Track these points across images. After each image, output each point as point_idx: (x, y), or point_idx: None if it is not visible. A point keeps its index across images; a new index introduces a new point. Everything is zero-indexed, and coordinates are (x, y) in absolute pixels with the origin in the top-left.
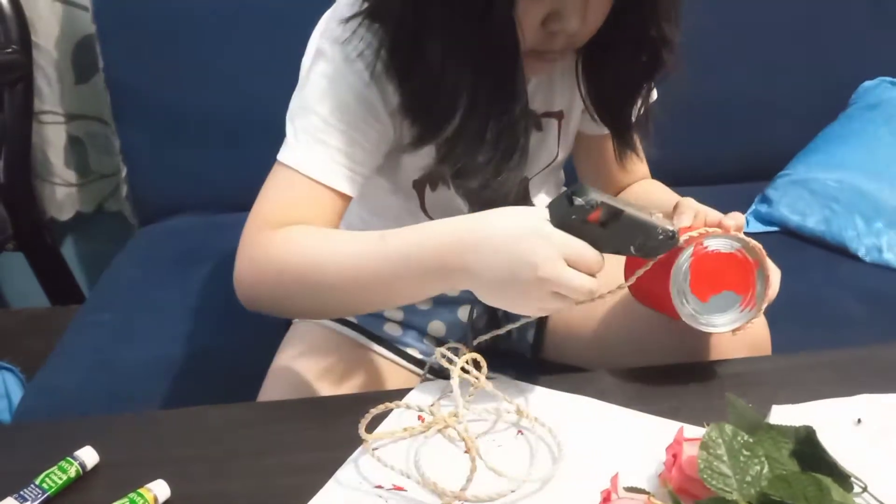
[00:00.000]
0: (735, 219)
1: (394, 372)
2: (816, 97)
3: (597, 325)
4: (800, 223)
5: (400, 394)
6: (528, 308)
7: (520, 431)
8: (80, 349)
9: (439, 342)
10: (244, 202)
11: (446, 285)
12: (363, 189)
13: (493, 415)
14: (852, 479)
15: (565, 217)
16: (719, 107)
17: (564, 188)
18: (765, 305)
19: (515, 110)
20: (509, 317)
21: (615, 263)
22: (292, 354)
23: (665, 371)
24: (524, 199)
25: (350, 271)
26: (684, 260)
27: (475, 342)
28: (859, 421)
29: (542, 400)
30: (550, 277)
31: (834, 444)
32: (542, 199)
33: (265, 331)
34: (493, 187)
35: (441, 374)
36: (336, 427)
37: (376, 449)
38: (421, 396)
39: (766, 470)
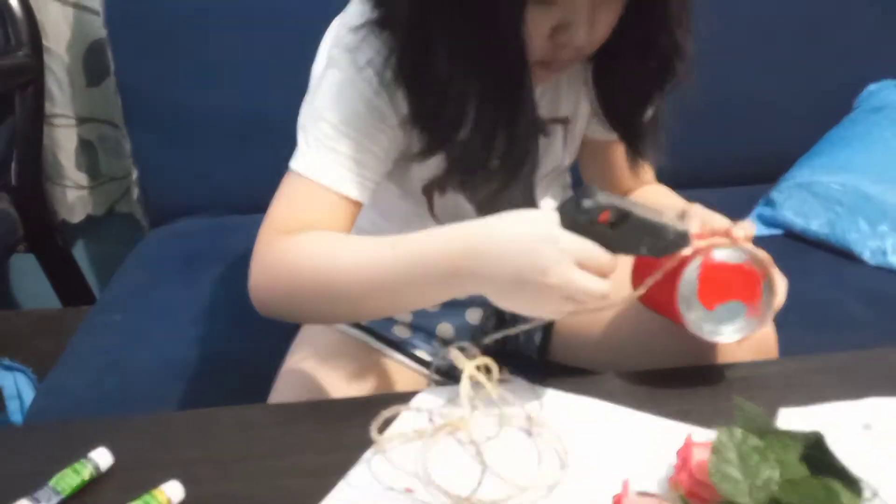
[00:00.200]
0: (744, 228)
1: (402, 374)
2: (821, 100)
3: (603, 327)
4: (804, 226)
5: (410, 396)
6: (541, 312)
7: (529, 434)
8: (91, 350)
9: (448, 344)
10: (254, 204)
11: (457, 290)
12: (374, 194)
13: (502, 418)
14: (861, 483)
15: (575, 220)
16: (723, 109)
17: (570, 191)
18: (771, 316)
19: (523, 120)
20: (517, 319)
21: (624, 266)
22: (302, 357)
23: (672, 373)
24: (530, 202)
25: (363, 277)
26: (692, 270)
27: (484, 342)
28: (867, 425)
29: (551, 402)
30: (562, 282)
31: (842, 448)
32: (547, 203)
33: (276, 333)
34: (501, 193)
35: (447, 375)
36: (346, 429)
37: (387, 451)
38: (431, 399)
39: (776, 474)
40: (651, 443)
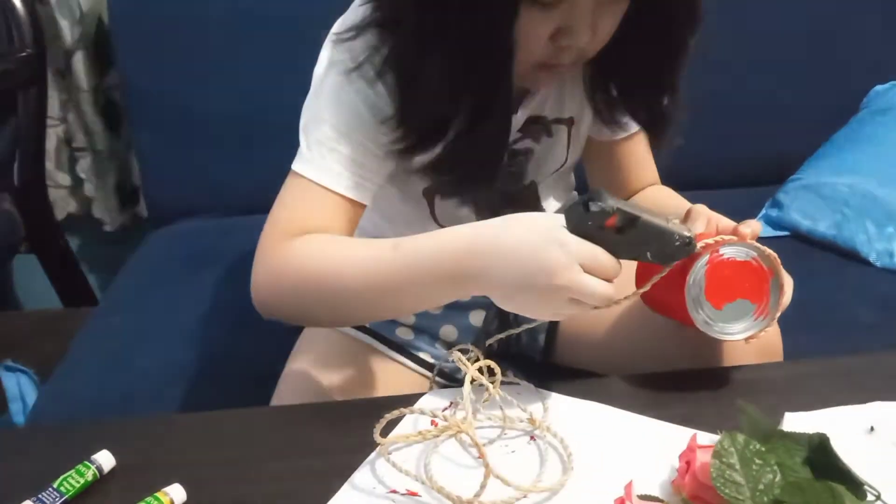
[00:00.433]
0: (751, 226)
1: (406, 376)
2: (828, 101)
3: (607, 329)
4: (810, 228)
5: (413, 399)
6: (544, 314)
7: (532, 437)
8: (93, 352)
9: (451, 346)
10: (257, 205)
11: (462, 292)
12: (375, 196)
13: (505, 421)
14: (865, 486)
15: (581, 223)
16: (730, 110)
17: (574, 191)
18: (778, 314)
19: (500, 127)
20: (520, 321)
21: (629, 268)
22: (305, 358)
23: (676, 377)
24: (534, 203)
25: (367, 279)
26: (700, 267)
27: (487, 343)
28: (872, 429)
29: (554, 405)
30: (567, 284)
31: (847, 451)
32: (551, 203)
33: (278, 334)
34: (493, 196)
35: (451, 377)
36: (349, 431)
37: (391, 453)
38: (434, 401)
39: (778, 478)
40: (654, 446)
